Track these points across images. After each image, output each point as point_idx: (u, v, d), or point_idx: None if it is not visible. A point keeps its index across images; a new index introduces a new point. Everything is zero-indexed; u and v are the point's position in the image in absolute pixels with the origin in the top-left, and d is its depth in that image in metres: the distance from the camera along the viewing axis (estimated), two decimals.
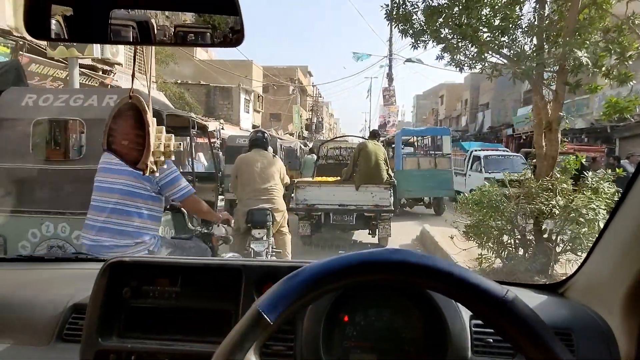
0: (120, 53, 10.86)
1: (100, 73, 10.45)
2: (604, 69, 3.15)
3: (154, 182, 2.22)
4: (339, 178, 6.67)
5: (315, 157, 8.98)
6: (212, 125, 14.73)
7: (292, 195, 6.15)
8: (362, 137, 8.73)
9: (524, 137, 22.10)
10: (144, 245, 2.21)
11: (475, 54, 4.23)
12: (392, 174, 6.61)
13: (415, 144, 12.10)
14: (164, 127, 1.53)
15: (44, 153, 3.87)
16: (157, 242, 2.27)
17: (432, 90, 52.53)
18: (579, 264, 1.01)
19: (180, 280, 0.93)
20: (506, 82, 22.08)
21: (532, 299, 0.99)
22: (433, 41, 4.58)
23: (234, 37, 0.89)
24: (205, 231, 2.86)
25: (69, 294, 1.04)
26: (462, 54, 4.41)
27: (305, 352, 0.82)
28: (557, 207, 3.28)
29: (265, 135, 4.31)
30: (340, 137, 14.04)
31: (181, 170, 4.58)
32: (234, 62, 23.75)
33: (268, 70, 29.45)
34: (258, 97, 26.24)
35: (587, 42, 3.09)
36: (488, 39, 3.96)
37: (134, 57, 1.33)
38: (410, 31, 4.65)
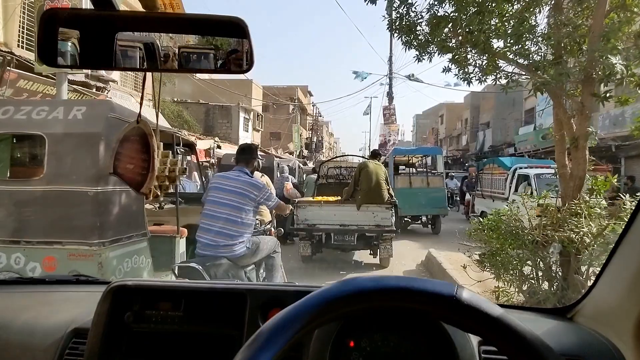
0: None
1: (94, 90, 10.16)
2: (636, 77, 2.77)
3: (255, 200, 3.08)
4: (339, 197, 6.53)
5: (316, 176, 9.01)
6: (206, 143, 14.37)
7: (294, 215, 6.04)
8: (362, 157, 8.81)
9: (527, 156, 21.84)
10: (243, 243, 3.03)
11: (486, 65, 3.86)
12: (393, 194, 6.53)
13: (410, 163, 12.20)
14: (170, 152, 1.34)
15: (6, 172, 3.46)
16: (249, 240, 3.11)
17: (432, 109, 52.82)
18: (588, 288, 0.99)
19: (183, 304, 0.91)
20: (507, 101, 22.06)
21: (540, 324, 0.95)
22: (439, 53, 4.24)
23: (244, 63, 0.87)
24: (263, 229, 3.63)
25: (69, 318, 1.02)
26: (471, 65, 4.06)
27: None
28: (589, 235, 2.84)
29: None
30: (340, 156, 13.86)
31: (170, 191, 4.06)
32: (234, 82, 23.69)
33: (268, 90, 29.46)
34: (257, 115, 26.07)
35: (619, 48, 2.73)
36: (502, 47, 3.60)
37: (143, 82, 1.26)
38: (415, 42, 4.32)
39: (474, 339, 0.82)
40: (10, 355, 0.99)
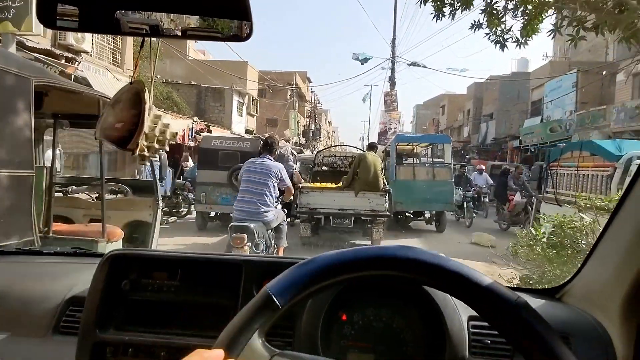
0: (87, 40, 9.49)
1: (63, 61, 9.06)
2: None
3: (277, 178, 4.11)
4: (334, 184, 7.07)
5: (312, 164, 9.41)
6: (182, 123, 13.17)
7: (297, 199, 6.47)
8: (357, 147, 9.49)
9: (532, 150, 20.97)
10: (272, 211, 4.10)
11: (531, 17, 2.87)
12: (387, 182, 7.15)
13: (414, 152, 10.85)
14: (162, 115, 1.47)
15: None
16: (273, 209, 4.15)
17: (433, 100, 51.83)
18: (577, 269, 1.00)
19: (179, 274, 0.92)
20: (511, 92, 20.96)
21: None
22: (461, 5, 3.26)
23: (243, 30, 0.86)
24: (277, 205, 4.31)
25: (66, 287, 1.04)
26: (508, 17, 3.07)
27: (303, 349, 0.81)
28: None
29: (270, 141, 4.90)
30: (335, 145, 14.22)
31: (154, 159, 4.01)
32: (228, 64, 22.58)
33: (265, 75, 28.32)
34: (252, 100, 24.93)
35: None
36: None
37: (140, 47, 1.26)
38: None
39: (464, 314, 0.84)
40: (8, 322, 0.99)
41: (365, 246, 0.55)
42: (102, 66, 10.46)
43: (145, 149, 1.34)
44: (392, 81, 17.32)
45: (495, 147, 28.25)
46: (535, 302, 0.98)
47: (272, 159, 4.20)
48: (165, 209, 7.16)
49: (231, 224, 3.92)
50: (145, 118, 1.24)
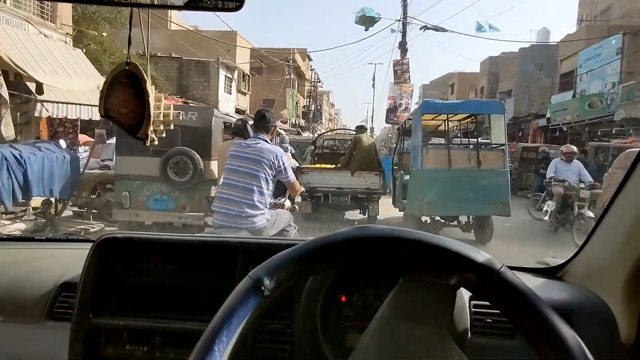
0: None
1: None
2: None
3: (272, 168, 2.92)
4: (333, 165, 7.38)
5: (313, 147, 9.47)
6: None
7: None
8: (353, 130, 8.96)
9: (565, 129, 18.26)
10: (263, 215, 2.93)
11: None
12: (381, 162, 7.37)
13: (446, 128, 7.34)
14: (163, 96, 1.51)
15: None
16: (269, 212, 3.01)
17: (440, 79, 48.87)
18: (578, 248, 0.98)
19: (174, 258, 0.91)
20: (533, 65, 17.67)
21: (529, 283, 0.82)
22: None
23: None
24: (278, 202, 3.39)
25: (59, 272, 1.03)
26: None
27: (302, 331, 0.80)
28: None
29: (247, 124, 4.34)
30: (334, 129, 14.10)
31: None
32: (214, 34, 19.78)
33: (261, 53, 25.56)
34: (244, 75, 22.14)
35: None
36: None
37: (130, 20, 1.24)
38: None
39: (465, 294, 0.82)
40: (0, 308, 0.98)
41: (347, 228, 0.54)
42: (22, 17, 7.79)
43: (153, 134, 1.39)
44: (403, 47, 14.49)
45: (514, 127, 25.63)
46: (536, 281, 0.99)
47: (269, 141, 3.07)
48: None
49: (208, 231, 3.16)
50: (150, 110, 1.28)
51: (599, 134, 16.14)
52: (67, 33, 8.92)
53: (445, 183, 5.73)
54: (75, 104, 7.19)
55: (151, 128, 1.30)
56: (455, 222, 6.41)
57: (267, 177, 2.91)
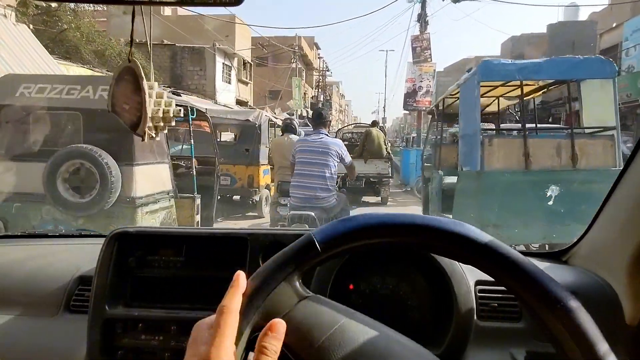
0: None
1: None
2: None
3: (337, 156, 3.53)
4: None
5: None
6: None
7: None
8: (367, 125, 9.82)
9: None
10: (334, 195, 3.52)
11: None
12: (390, 151, 8.93)
13: (520, 104, 5.10)
14: (165, 92, 1.48)
15: None
16: (336, 192, 3.63)
17: (455, 65, 46.49)
18: (583, 232, 0.99)
19: (185, 250, 0.93)
20: (562, 43, 14.29)
21: None
22: None
23: None
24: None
25: (74, 266, 1.05)
26: None
27: None
28: None
29: (294, 122, 5.44)
30: (351, 124, 14.92)
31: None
32: (210, 21, 17.89)
33: (262, 40, 23.63)
34: (244, 63, 20.21)
35: None
36: None
37: (132, 16, 1.22)
38: None
39: (471, 279, 0.85)
40: (18, 302, 1.00)
41: (411, 214, 0.52)
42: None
43: (152, 131, 1.42)
44: (423, 20, 12.35)
45: (544, 112, 23.32)
46: (541, 265, 0.97)
47: (328, 134, 3.72)
48: None
49: (290, 212, 3.44)
50: (146, 107, 1.32)
51: None
52: (7, 5, 7.13)
53: (522, 192, 3.66)
54: None
55: (150, 124, 1.36)
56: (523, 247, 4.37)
57: (334, 164, 3.51)
